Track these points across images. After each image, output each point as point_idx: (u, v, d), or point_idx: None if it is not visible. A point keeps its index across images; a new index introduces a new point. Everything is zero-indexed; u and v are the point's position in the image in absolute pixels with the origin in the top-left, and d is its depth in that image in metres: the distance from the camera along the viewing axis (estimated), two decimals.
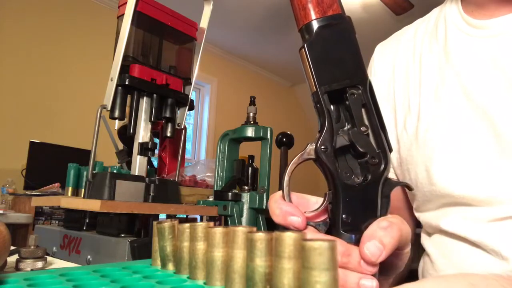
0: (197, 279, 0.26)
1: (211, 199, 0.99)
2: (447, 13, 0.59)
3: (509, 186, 0.47)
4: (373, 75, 0.66)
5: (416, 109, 0.57)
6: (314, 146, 0.30)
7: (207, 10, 1.01)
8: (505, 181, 0.47)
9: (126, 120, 0.86)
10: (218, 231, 0.25)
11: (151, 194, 0.81)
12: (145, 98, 0.85)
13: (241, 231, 0.23)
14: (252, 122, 1.00)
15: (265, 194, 0.94)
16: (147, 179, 0.81)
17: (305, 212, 0.30)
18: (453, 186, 0.50)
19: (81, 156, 1.79)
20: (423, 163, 0.54)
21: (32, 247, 0.51)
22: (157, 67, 0.88)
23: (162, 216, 0.91)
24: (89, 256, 0.72)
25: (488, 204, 0.48)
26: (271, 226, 0.30)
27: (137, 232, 0.76)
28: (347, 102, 0.30)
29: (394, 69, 0.63)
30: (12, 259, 0.50)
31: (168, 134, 0.91)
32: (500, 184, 0.47)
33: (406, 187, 0.33)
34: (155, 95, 0.86)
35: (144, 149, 0.84)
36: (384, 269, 0.30)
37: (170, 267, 0.30)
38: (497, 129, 0.48)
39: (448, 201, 0.52)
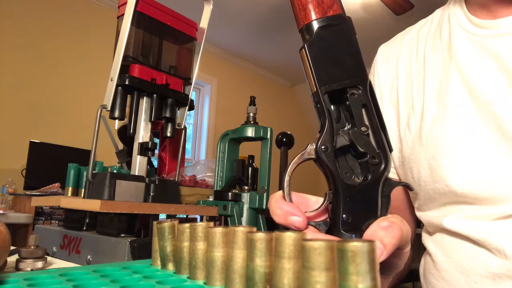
0: (197, 279, 0.26)
1: (211, 199, 0.99)
2: (451, 13, 0.59)
3: None
4: (376, 75, 0.66)
5: (420, 107, 0.57)
6: (315, 146, 0.30)
7: (207, 10, 1.01)
8: (509, 178, 0.47)
9: (126, 120, 0.86)
10: (218, 231, 0.25)
11: (151, 194, 0.81)
12: (145, 98, 0.85)
13: (241, 231, 0.23)
14: (252, 122, 1.00)
15: (265, 194, 0.94)
16: (147, 179, 0.81)
17: (305, 212, 0.30)
18: (457, 184, 0.50)
19: (81, 156, 1.79)
20: (426, 161, 0.54)
21: (32, 247, 0.51)
22: (157, 67, 0.88)
23: (162, 216, 0.91)
24: (89, 256, 0.72)
25: (491, 202, 0.48)
26: (271, 226, 0.30)
27: (137, 232, 0.76)
28: (347, 102, 0.30)
29: (397, 69, 0.63)
30: (12, 259, 0.50)
31: (168, 134, 0.91)
32: (504, 181, 0.47)
33: (407, 187, 0.33)
34: (155, 95, 0.86)
35: (144, 149, 0.84)
36: (384, 268, 0.30)
37: (170, 267, 0.30)
38: (501, 127, 0.48)
39: (451, 200, 0.52)
